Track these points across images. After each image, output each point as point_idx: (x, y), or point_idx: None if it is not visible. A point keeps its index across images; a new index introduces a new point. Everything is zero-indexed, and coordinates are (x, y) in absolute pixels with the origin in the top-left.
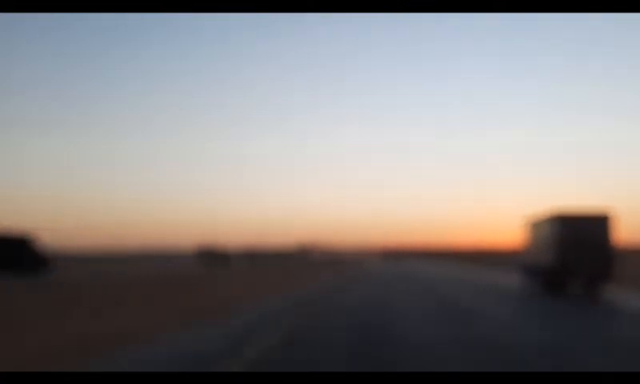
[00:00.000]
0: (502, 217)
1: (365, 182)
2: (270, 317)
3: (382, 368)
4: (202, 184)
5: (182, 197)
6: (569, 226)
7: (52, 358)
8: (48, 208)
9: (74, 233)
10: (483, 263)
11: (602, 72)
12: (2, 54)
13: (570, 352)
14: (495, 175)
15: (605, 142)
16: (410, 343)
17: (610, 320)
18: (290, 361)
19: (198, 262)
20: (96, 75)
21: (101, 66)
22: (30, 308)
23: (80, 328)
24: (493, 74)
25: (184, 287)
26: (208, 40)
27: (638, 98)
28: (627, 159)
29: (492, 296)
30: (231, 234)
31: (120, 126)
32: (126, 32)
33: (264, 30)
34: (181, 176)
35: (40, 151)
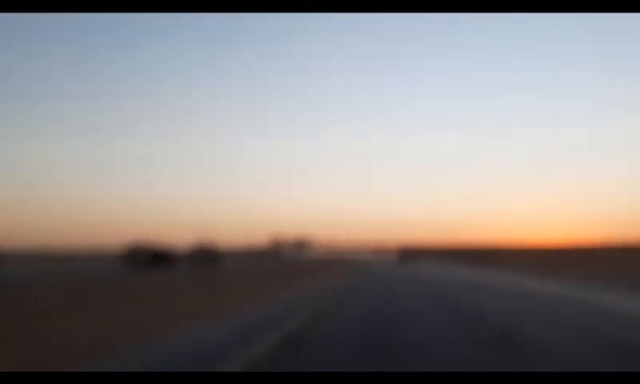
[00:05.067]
0: (537, 215)
1: (377, 175)
2: None
3: None
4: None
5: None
6: None
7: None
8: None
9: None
10: (523, 267)
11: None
12: None
13: None
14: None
15: None
16: None
17: None
18: None
19: (125, 264)
20: (98, 75)
21: (96, 66)
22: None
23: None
24: (495, 70)
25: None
26: (198, 38)
27: None
28: None
29: None
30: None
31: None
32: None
33: (258, 28)
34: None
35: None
